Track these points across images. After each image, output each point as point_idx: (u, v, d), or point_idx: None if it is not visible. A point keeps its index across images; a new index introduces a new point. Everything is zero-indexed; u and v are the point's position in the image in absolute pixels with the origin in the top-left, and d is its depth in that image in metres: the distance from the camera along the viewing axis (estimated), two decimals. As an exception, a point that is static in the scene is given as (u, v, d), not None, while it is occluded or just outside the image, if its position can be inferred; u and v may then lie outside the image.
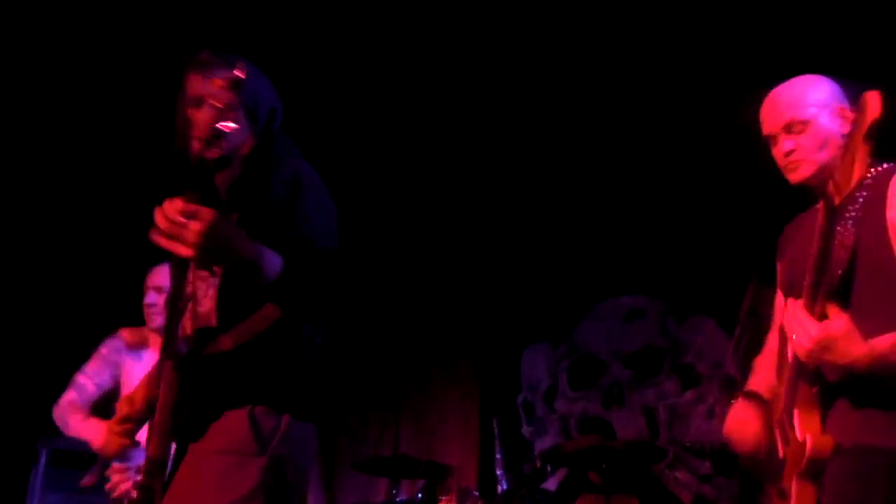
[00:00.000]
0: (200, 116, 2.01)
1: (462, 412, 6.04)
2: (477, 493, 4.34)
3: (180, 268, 1.79)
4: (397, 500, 4.85)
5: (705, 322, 5.24)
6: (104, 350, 3.42)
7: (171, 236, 1.58)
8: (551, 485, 5.11)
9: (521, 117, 5.22)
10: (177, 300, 1.83)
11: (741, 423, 2.13)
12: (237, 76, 1.99)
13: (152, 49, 4.35)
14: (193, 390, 1.90)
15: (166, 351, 1.86)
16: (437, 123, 5.33)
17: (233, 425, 1.87)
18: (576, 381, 5.54)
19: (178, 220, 1.57)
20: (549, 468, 5.10)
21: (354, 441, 6.20)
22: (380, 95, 5.16)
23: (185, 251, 1.58)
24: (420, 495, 4.47)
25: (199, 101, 2.02)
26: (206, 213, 1.59)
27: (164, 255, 3.46)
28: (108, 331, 3.52)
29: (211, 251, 1.60)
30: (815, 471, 1.80)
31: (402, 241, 5.87)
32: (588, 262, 5.61)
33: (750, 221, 4.24)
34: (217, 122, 1.96)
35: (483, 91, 5.14)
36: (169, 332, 1.84)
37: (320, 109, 4.70)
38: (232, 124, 1.85)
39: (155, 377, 2.08)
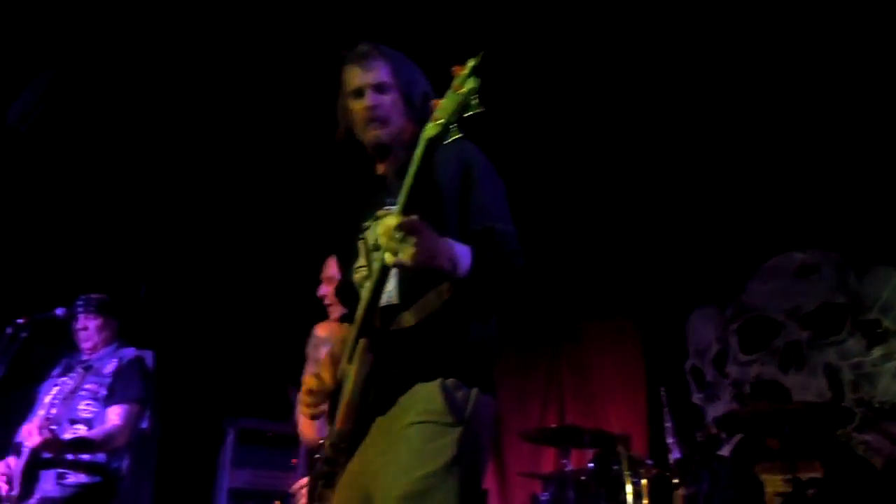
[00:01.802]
0: (362, 106, 2.11)
1: (627, 380, 5.93)
2: (651, 462, 4.23)
3: (386, 271, 1.91)
4: (566, 469, 4.82)
5: (889, 273, 4.88)
6: (308, 350, 3.61)
7: (391, 249, 1.72)
8: (726, 452, 4.93)
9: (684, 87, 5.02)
10: (378, 292, 1.94)
11: None
12: (394, 64, 2.10)
13: (313, 46, 4.48)
14: (383, 365, 1.96)
15: (362, 329, 1.95)
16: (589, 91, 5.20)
17: (427, 396, 1.91)
18: (748, 344, 5.28)
19: (397, 236, 1.70)
20: (723, 435, 4.92)
21: (519, 411, 6.23)
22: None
23: (405, 262, 1.71)
24: (591, 465, 4.42)
25: (360, 92, 2.12)
26: (422, 228, 1.71)
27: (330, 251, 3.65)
28: (290, 315, 3.68)
29: (424, 262, 1.73)
30: None
31: (559, 210, 5.79)
32: (754, 217, 5.33)
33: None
34: (379, 110, 2.08)
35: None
36: (368, 313, 1.94)
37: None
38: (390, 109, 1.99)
39: (339, 355, 2.16)
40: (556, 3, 4.63)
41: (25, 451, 3.63)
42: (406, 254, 1.69)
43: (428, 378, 1.93)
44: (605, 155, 5.52)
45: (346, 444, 2.01)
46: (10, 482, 3.65)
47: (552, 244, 5.66)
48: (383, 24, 4.39)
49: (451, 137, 1.73)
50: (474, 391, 1.94)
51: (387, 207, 2.08)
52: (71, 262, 5.30)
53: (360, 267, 2.16)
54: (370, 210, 2.17)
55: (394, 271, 2.01)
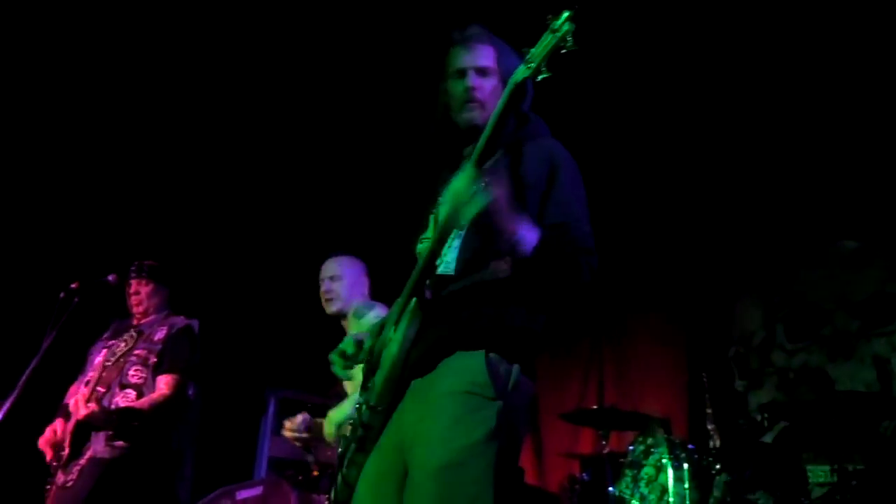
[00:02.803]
0: (463, 87, 2.14)
1: (668, 365, 5.88)
2: (693, 447, 4.19)
3: (446, 231, 1.94)
4: (605, 451, 4.81)
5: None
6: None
7: (456, 206, 1.80)
8: (770, 439, 4.87)
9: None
10: (435, 254, 1.98)
11: None
12: (498, 50, 2.14)
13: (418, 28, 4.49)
14: (429, 327, 1.97)
15: (413, 291, 1.98)
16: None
17: (470, 367, 1.90)
18: (795, 333, 5.20)
19: (465, 193, 1.78)
20: (766, 422, 4.86)
21: (558, 392, 6.22)
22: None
23: (462, 221, 1.80)
24: (631, 447, 4.39)
25: (462, 73, 2.15)
26: (500, 181, 1.80)
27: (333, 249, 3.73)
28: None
29: (493, 211, 1.81)
30: None
31: (606, 189, 5.72)
32: (805, 205, 5.23)
33: None
34: (478, 92, 2.12)
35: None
36: (423, 275, 1.98)
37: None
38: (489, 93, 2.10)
39: (382, 327, 2.19)
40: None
41: (73, 418, 3.70)
42: (476, 202, 1.76)
43: (472, 348, 1.92)
44: (651, 143, 5.45)
45: (385, 406, 2.00)
46: (55, 448, 3.69)
47: (601, 234, 5.61)
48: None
49: (540, 77, 1.81)
50: (516, 367, 1.94)
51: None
52: (123, 231, 5.38)
53: (426, 239, 2.17)
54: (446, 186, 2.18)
55: (454, 241, 2.02)
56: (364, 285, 3.74)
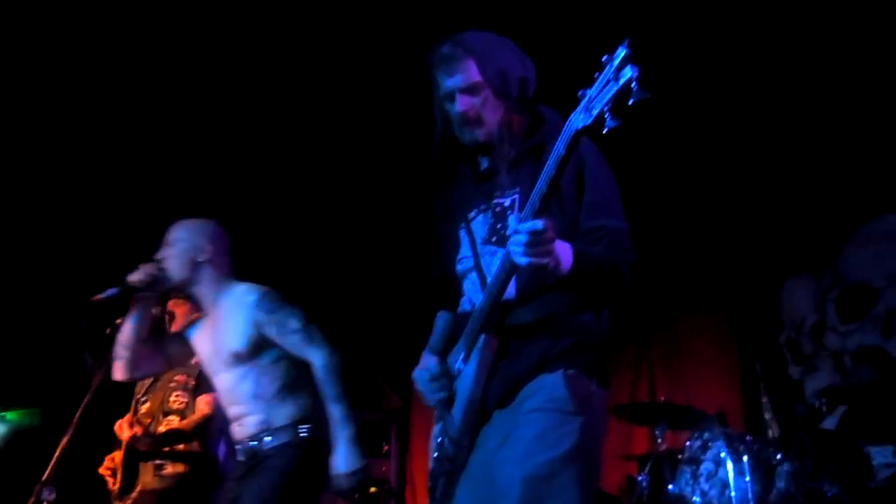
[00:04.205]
0: (455, 111, 2.08)
1: (719, 356, 5.78)
2: (751, 438, 4.11)
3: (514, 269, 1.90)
4: (661, 449, 4.74)
5: None
6: None
7: (525, 251, 1.76)
8: (830, 424, 4.76)
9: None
10: (502, 289, 1.95)
11: None
12: (479, 59, 2.04)
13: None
14: (504, 360, 1.98)
15: (484, 324, 1.97)
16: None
17: (550, 385, 1.92)
18: (846, 313, 5.07)
19: (531, 239, 1.73)
20: (825, 408, 4.75)
21: (610, 389, 6.13)
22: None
23: (534, 263, 1.76)
24: (688, 443, 4.32)
25: (451, 96, 2.09)
26: (553, 235, 1.75)
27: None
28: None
29: (544, 265, 1.78)
30: None
31: (645, 176, 5.65)
32: (844, 182, 5.11)
33: None
34: (471, 112, 2.05)
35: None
36: (492, 308, 1.97)
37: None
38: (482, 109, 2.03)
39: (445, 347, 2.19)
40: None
41: (122, 446, 3.79)
42: (537, 256, 1.74)
43: (549, 370, 1.94)
44: (692, 126, 5.39)
45: (467, 438, 2.02)
46: (115, 475, 3.80)
47: (642, 227, 5.54)
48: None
49: (606, 128, 1.61)
50: (594, 382, 1.97)
51: (498, 200, 2.08)
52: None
53: (464, 258, 2.16)
54: (474, 201, 2.16)
55: (490, 258, 2.04)
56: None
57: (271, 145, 5.63)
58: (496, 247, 2.03)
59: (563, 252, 1.83)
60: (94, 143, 5.35)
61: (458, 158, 2.22)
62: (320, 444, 2.75)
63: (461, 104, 2.06)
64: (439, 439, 2.11)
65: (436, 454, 2.14)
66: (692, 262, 5.91)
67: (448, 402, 2.08)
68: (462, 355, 2.05)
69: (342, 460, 2.68)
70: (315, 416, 2.82)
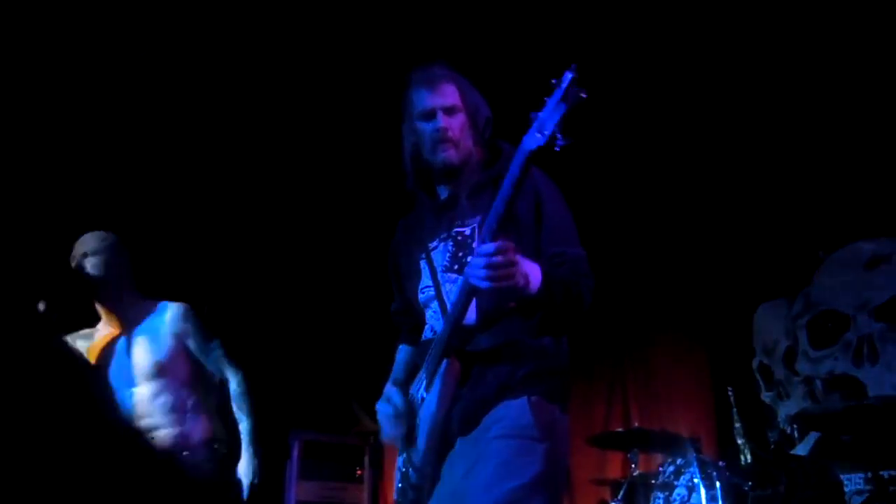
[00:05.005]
0: (433, 127, 2.11)
1: (692, 382, 5.81)
2: (724, 464, 4.12)
3: (472, 294, 1.93)
4: (634, 474, 4.74)
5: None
6: None
7: (483, 274, 1.78)
8: (802, 450, 4.79)
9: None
10: (462, 315, 1.96)
11: None
12: (461, 87, 2.13)
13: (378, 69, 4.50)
14: (466, 386, 2.00)
15: (444, 351, 1.99)
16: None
17: (513, 412, 1.93)
18: (818, 339, 5.11)
19: (492, 262, 1.75)
20: (796, 434, 4.78)
21: (583, 415, 6.14)
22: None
23: (498, 287, 1.78)
24: (661, 468, 4.32)
25: (432, 114, 2.12)
26: (516, 255, 1.77)
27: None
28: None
29: (511, 287, 1.80)
30: None
31: (614, 202, 5.69)
32: (818, 208, 5.18)
33: None
34: (451, 132, 2.10)
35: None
36: (451, 335, 1.98)
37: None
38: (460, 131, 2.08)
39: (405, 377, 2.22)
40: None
41: None
42: (498, 279, 1.76)
43: (512, 396, 1.95)
44: (660, 152, 5.43)
45: (431, 467, 2.02)
46: None
47: (612, 254, 5.58)
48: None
49: (558, 147, 1.71)
50: (557, 408, 1.98)
51: (459, 229, 2.10)
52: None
53: (426, 287, 2.16)
54: (434, 231, 2.18)
55: (451, 286, 2.05)
56: None
57: (247, 164, 5.60)
58: (458, 275, 2.05)
59: (532, 270, 1.85)
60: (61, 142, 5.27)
61: (418, 188, 2.25)
62: (233, 460, 3.04)
63: (442, 121, 2.10)
64: (403, 469, 2.11)
65: (399, 485, 2.14)
66: (665, 288, 5.95)
67: (408, 437, 2.08)
68: (424, 383, 2.05)
69: (249, 470, 3.06)
70: (225, 431, 3.12)
